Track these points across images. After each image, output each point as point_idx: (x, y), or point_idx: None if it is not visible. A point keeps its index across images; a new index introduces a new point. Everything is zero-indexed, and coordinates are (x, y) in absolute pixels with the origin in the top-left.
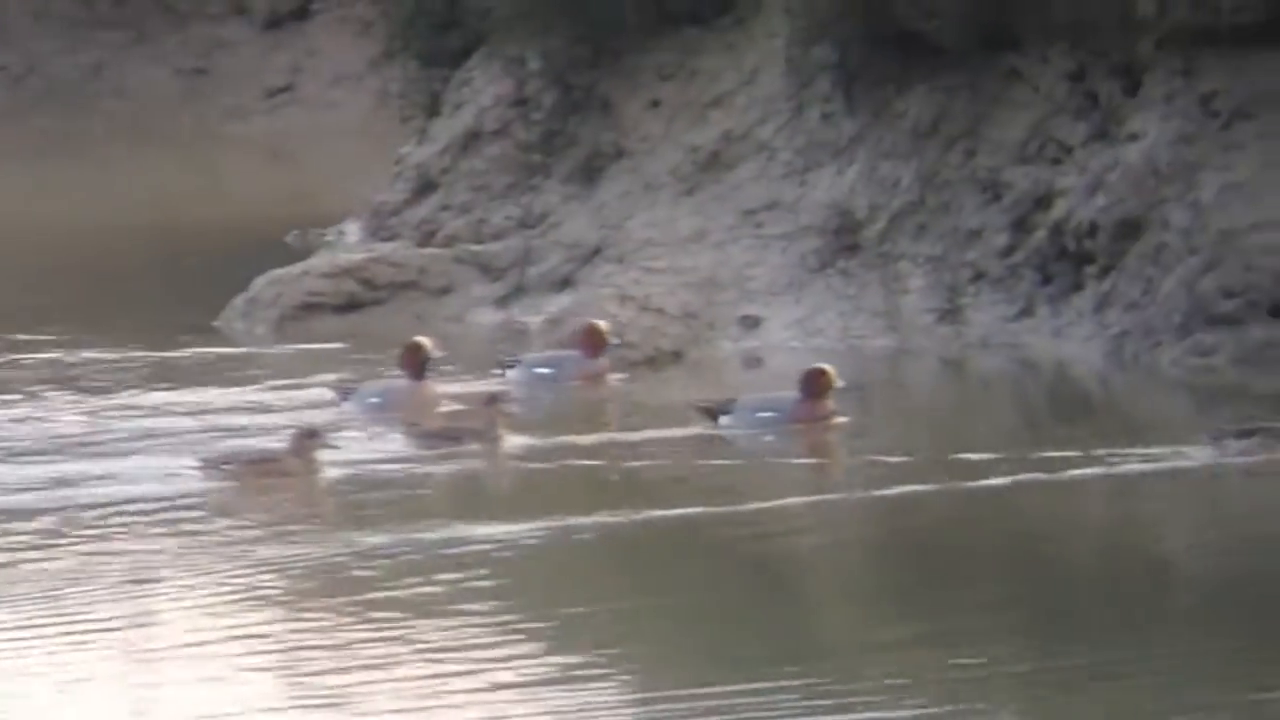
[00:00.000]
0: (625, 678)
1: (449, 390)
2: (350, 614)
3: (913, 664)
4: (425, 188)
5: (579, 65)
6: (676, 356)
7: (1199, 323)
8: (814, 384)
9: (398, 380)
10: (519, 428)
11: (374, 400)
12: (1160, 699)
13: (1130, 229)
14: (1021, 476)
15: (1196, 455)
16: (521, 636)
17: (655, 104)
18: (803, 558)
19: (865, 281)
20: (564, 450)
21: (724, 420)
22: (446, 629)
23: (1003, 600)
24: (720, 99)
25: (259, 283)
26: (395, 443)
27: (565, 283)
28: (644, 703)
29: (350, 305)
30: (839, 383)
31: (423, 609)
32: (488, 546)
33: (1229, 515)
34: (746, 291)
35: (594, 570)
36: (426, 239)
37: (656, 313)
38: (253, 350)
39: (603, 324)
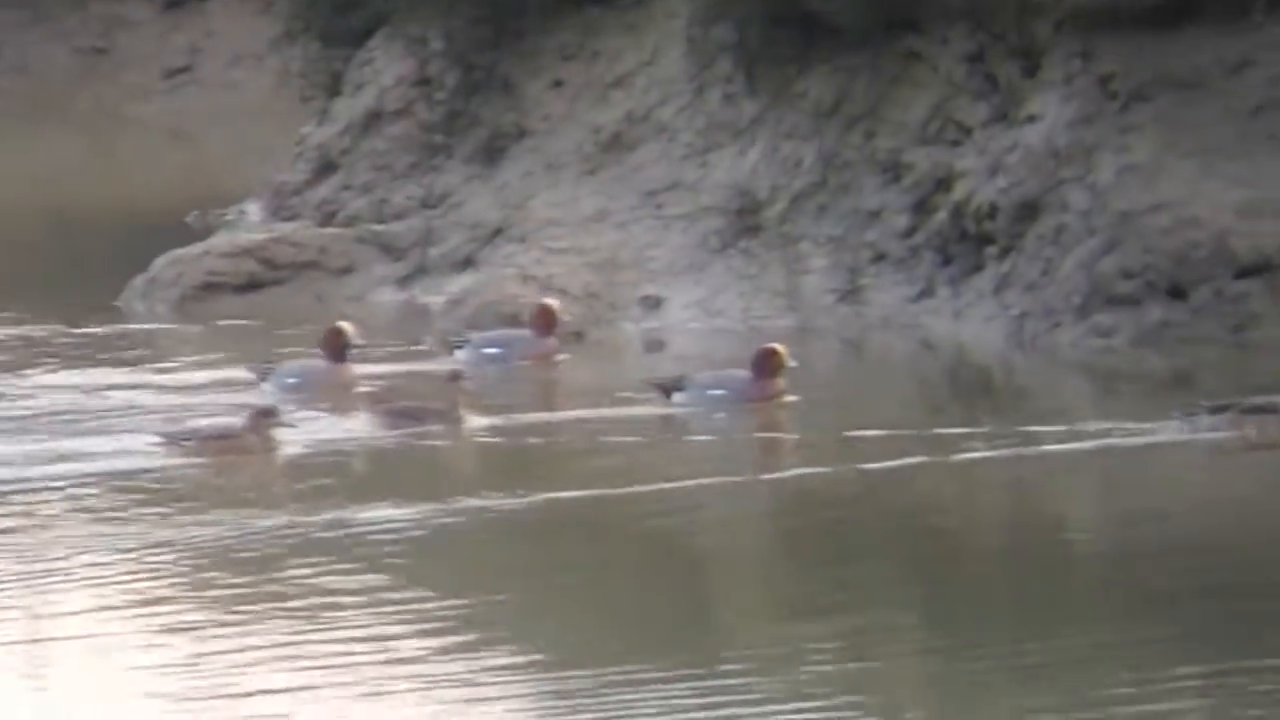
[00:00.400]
0: (533, 666)
1: (366, 371)
2: (253, 599)
3: (816, 656)
4: (326, 168)
5: (481, 45)
6: (578, 337)
7: (1098, 304)
8: (766, 363)
9: (316, 361)
10: (478, 407)
11: (292, 380)
12: (1070, 693)
13: (1029, 210)
14: (920, 458)
15: (1092, 435)
16: (425, 624)
17: (557, 84)
18: (705, 541)
19: (766, 262)
20: (520, 429)
21: (677, 397)
22: (342, 616)
23: (904, 589)
24: (622, 79)
25: (159, 263)
26: (357, 422)
27: (467, 263)
28: (547, 696)
29: (251, 285)
30: (790, 362)
31: (325, 594)
32: (408, 526)
33: (1126, 495)
34: (648, 272)
35: (505, 553)
36: (328, 219)
37: (559, 293)
38: (154, 329)
39: (555, 303)
